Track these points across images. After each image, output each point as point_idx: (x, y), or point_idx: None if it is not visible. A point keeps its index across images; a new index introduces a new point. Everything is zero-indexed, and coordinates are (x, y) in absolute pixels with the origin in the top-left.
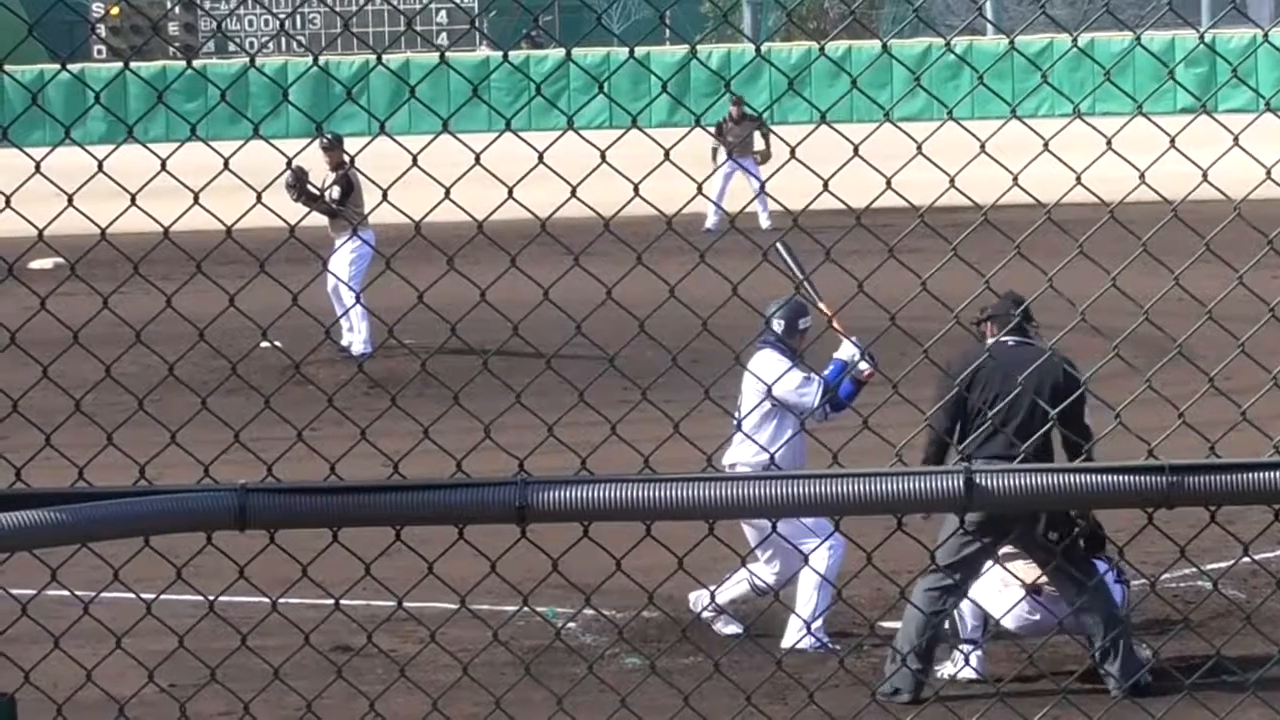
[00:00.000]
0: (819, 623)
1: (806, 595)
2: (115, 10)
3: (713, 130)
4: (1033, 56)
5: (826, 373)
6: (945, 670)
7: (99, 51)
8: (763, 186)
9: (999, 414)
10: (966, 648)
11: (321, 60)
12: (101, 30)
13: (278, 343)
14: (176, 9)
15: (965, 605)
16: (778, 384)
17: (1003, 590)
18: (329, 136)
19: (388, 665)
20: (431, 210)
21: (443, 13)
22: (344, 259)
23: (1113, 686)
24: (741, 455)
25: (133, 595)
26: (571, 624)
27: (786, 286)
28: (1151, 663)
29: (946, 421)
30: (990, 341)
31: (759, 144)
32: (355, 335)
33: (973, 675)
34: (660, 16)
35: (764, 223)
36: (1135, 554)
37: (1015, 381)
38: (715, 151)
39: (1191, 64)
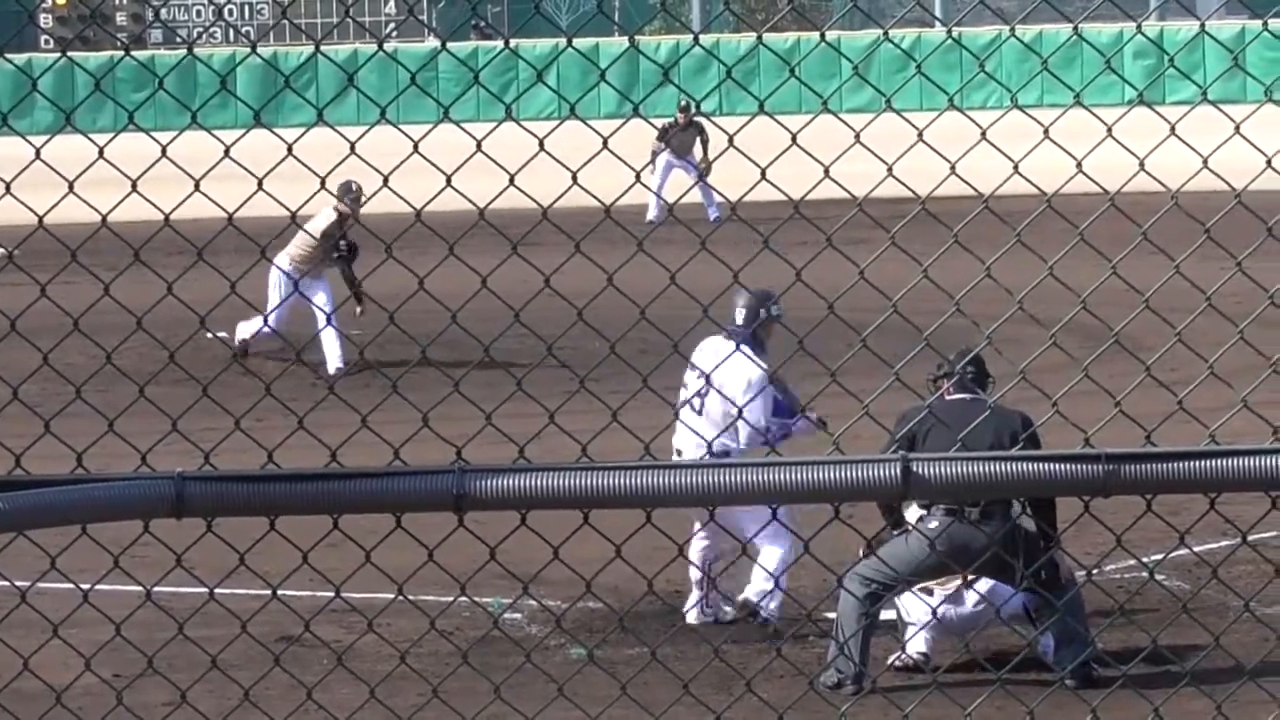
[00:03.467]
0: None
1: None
2: (62, 0)
3: (658, 132)
4: (982, 48)
5: (783, 424)
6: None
7: (46, 41)
8: (701, 177)
9: None
10: (910, 631)
11: (270, 51)
12: (48, 20)
13: (222, 333)
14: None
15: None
16: (746, 405)
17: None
18: (354, 188)
19: (333, 656)
20: (370, 197)
21: (391, 3)
22: (322, 289)
23: (1069, 680)
24: (687, 443)
25: (71, 585)
26: (517, 615)
27: (729, 278)
28: (1091, 651)
29: None
30: (933, 398)
31: (698, 152)
32: (329, 353)
33: (917, 657)
34: (598, 6)
35: (711, 214)
36: (1079, 544)
37: (970, 441)
38: (655, 154)
39: (1140, 55)
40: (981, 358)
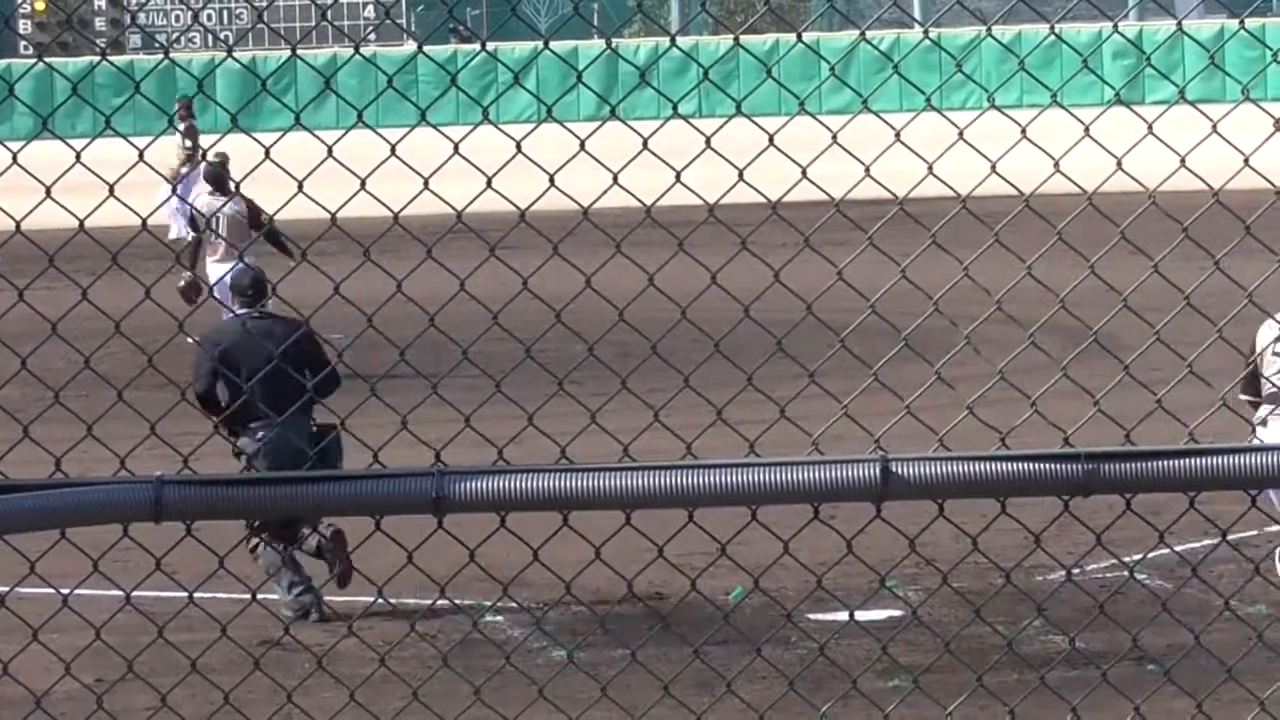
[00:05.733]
0: None
1: None
2: (41, 6)
3: (188, 144)
4: (961, 49)
5: None
6: None
7: (25, 47)
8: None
9: None
10: None
11: (248, 55)
12: (26, 26)
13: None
14: (101, 3)
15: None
16: None
17: None
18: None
19: (314, 659)
20: (347, 202)
21: (369, 7)
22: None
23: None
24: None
25: (51, 590)
26: (498, 617)
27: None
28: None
29: None
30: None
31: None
32: None
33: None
34: (576, 8)
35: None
36: (1060, 544)
37: (265, 357)
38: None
39: (1119, 55)
40: (261, 279)
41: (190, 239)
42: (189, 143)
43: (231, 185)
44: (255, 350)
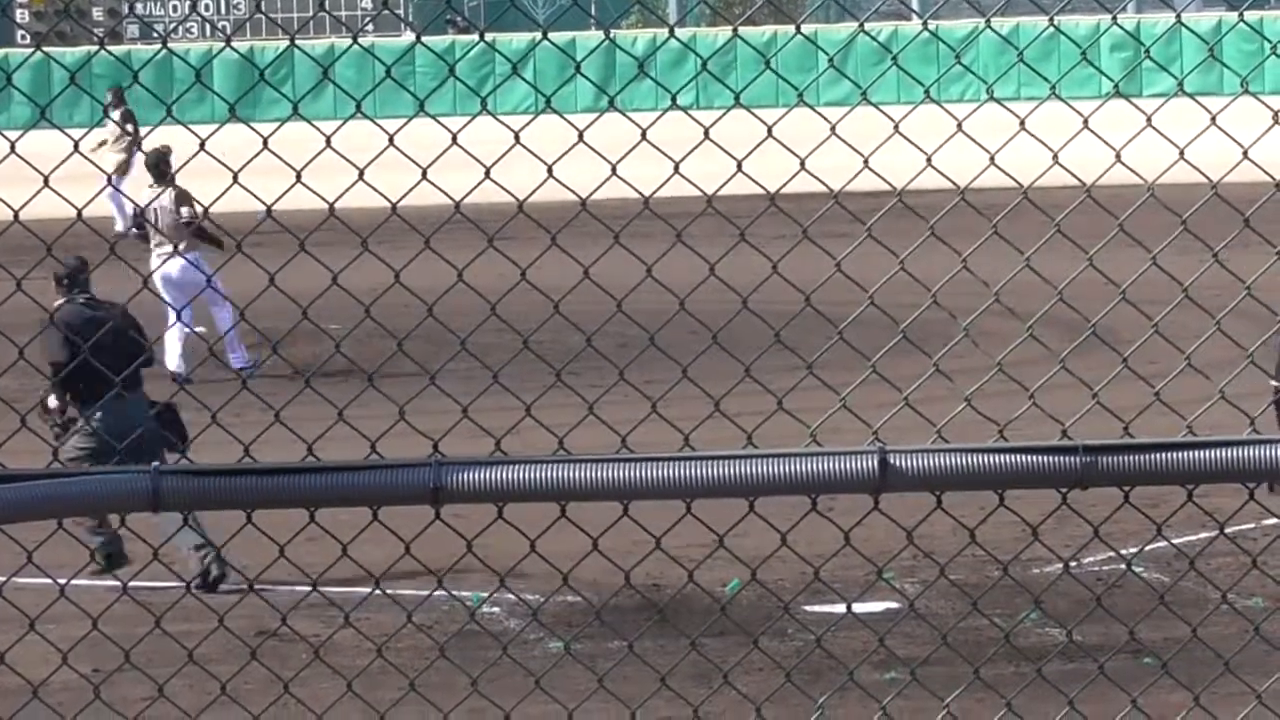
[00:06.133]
0: None
1: None
2: None
3: (129, 129)
4: (959, 41)
5: None
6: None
7: (22, 37)
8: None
9: None
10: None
11: (246, 45)
12: (24, 16)
13: (200, 329)
14: None
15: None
16: None
17: None
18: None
19: (311, 650)
20: (345, 192)
21: None
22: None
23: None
24: None
25: (48, 580)
26: (495, 608)
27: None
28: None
29: None
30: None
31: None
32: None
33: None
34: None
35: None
36: (1057, 536)
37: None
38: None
39: (1117, 48)
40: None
41: (132, 235)
42: (130, 127)
43: (171, 176)
44: (91, 335)
